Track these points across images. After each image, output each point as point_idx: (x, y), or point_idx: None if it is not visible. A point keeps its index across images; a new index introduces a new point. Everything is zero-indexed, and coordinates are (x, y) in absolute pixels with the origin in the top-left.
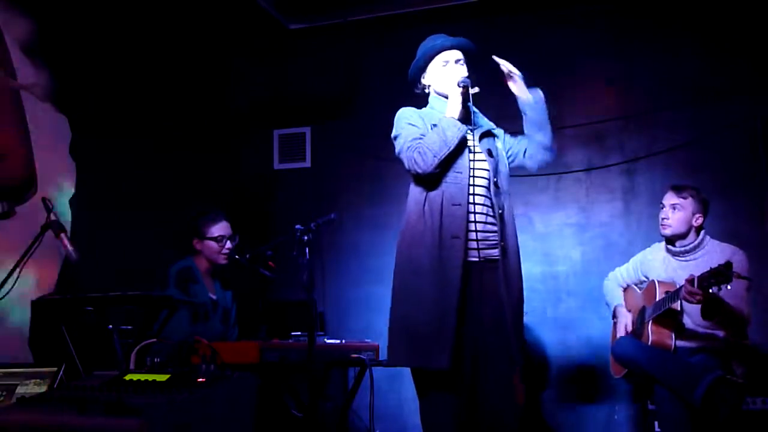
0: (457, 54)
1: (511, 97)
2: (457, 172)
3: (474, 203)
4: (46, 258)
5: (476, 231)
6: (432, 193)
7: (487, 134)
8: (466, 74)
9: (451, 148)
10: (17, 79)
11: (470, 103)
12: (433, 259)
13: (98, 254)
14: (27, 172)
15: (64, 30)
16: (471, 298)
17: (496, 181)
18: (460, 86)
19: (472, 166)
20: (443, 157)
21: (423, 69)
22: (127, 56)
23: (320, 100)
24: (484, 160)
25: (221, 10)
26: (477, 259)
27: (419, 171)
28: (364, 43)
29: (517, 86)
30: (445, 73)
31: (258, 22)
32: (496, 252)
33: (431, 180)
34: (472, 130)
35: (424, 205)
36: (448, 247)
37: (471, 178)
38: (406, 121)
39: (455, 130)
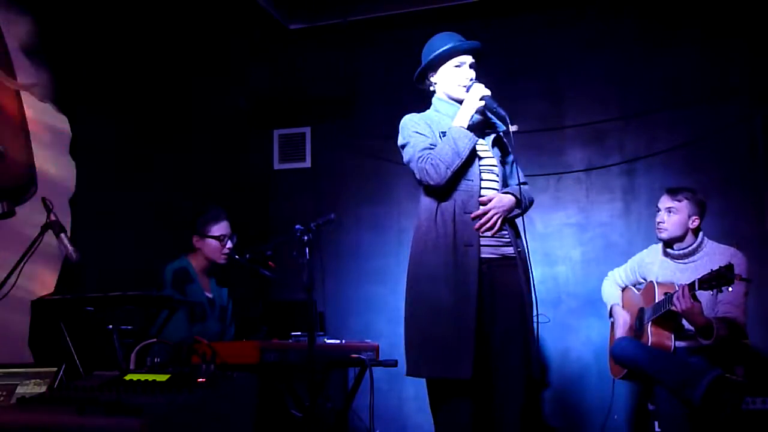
0: (471, 57)
1: (512, 101)
2: (468, 180)
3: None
4: (46, 258)
5: (491, 235)
6: (443, 202)
7: (499, 139)
8: (486, 91)
9: (464, 159)
10: (17, 79)
11: (492, 119)
12: (448, 266)
13: (98, 254)
14: (27, 172)
15: (64, 29)
16: (491, 296)
17: (510, 185)
18: (482, 100)
19: (481, 170)
20: (456, 168)
21: (435, 68)
22: (127, 56)
23: (320, 100)
24: (495, 165)
25: (221, 10)
26: (495, 256)
27: (431, 183)
28: (364, 43)
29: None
30: (458, 76)
31: (258, 22)
32: (511, 249)
33: (443, 189)
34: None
35: (435, 213)
36: (462, 255)
37: (482, 182)
38: (413, 129)
39: (467, 141)
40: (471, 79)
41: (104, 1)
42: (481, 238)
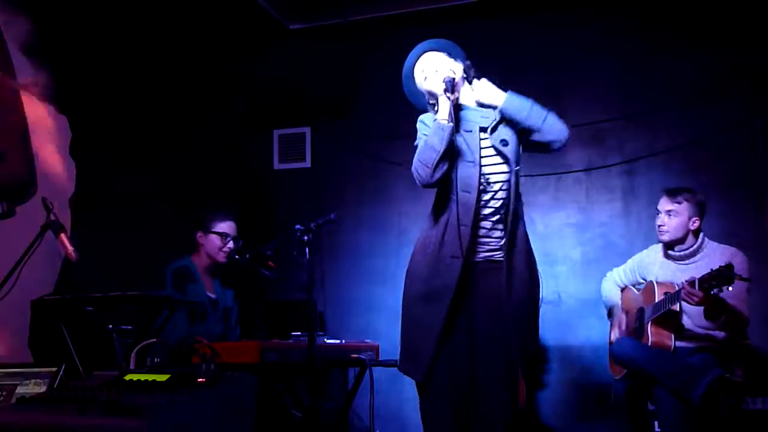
0: (426, 61)
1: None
2: (465, 192)
3: (483, 219)
4: (46, 258)
5: (479, 244)
6: (440, 208)
7: (501, 124)
8: (447, 73)
9: (441, 152)
10: (17, 79)
11: (455, 101)
12: (430, 268)
13: (98, 254)
14: (27, 172)
15: (63, 29)
16: (470, 300)
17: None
18: (445, 90)
19: (484, 176)
20: (435, 164)
21: (418, 93)
22: (127, 56)
23: (320, 100)
24: (504, 171)
25: (221, 11)
26: (479, 260)
27: (419, 183)
28: (364, 43)
29: (482, 92)
30: (430, 84)
31: (258, 22)
32: (499, 253)
33: (434, 187)
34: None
35: (433, 217)
36: (445, 262)
37: (481, 194)
38: (421, 132)
39: (441, 133)
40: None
41: (104, 2)
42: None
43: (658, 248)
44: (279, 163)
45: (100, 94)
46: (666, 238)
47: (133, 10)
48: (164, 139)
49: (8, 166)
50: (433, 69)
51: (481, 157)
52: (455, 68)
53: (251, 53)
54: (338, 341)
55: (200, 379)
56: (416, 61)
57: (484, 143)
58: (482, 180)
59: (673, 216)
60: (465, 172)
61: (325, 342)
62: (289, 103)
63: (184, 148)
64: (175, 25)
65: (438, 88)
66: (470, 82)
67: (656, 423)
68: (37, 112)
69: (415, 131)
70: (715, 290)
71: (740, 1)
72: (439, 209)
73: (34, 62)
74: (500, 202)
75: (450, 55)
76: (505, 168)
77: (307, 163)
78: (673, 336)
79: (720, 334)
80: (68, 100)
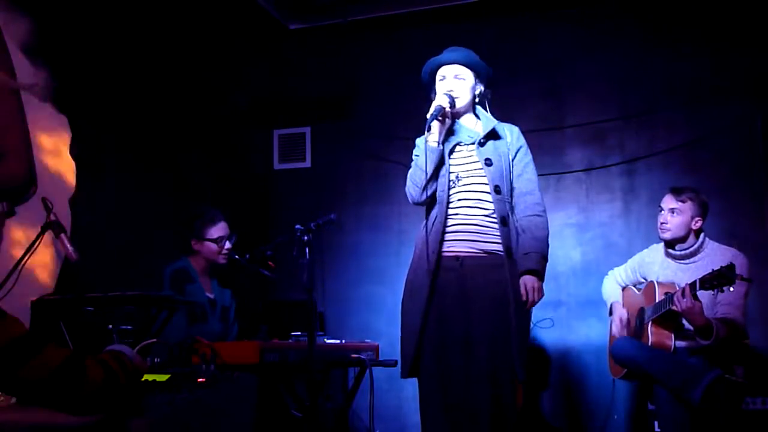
0: (456, 69)
1: (512, 101)
2: (441, 191)
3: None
4: (46, 258)
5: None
6: (429, 213)
7: (492, 136)
8: (440, 101)
9: (429, 173)
10: (17, 79)
11: (450, 125)
12: (415, 273)
13: (98, 254)
14: (27, 172)
15: (63, 29)
16: (461, 297)
17: (497, 186)
18: (433, 118)
19: (450, 183)
20: (424, 184)
21: (432, 82)
22: (127, 56)
23: (320, 100)
24: (480, 169)
25: (221, 10)
26: (474, 252)
27: (411, 202)
28: (364, 43)
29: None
30: (439, 89)
31: (258, 22)
32: (497, 246)
33: (424, 204)
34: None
35: (425, 222)
36: (425, 259)
37: (450, 190)
38: (414, 153)
39: (430, 155)
40: (448, 91)
41: (104, 1)
42: (456, 233)
43: (659, 247)
44: (279, 163)
45: (100, 94)
46: (667, 236)
47: (133, 9)
48: (164, 138)
49: (8, 166)
50: (450, 84)
51: (450, 156)
52: (464, 94)
53: (251, 53)
54: (338, 341)
55: (200, 379)
56: (447, 63)
57: (461, 152)
58: (450, 183)
59: (676, 214)
60: (441, 174)
61: (325, 342)
62: (289, 103)
63: (184, 147)
64: (175, 25)
65: (439, 98)
66: (479, 104)
67: (656, 423)
68: (37, 112)
69: (414, 133)
70: (716, 290)
71: (741, 1)
72: (427, 210)
73: (34, 62)
74: (486, 203)
75: (477, 76)
76: (483, 172)
77: (307, 163)
78: (673, 336)
79: (720, 334)
80: (68, 100)
